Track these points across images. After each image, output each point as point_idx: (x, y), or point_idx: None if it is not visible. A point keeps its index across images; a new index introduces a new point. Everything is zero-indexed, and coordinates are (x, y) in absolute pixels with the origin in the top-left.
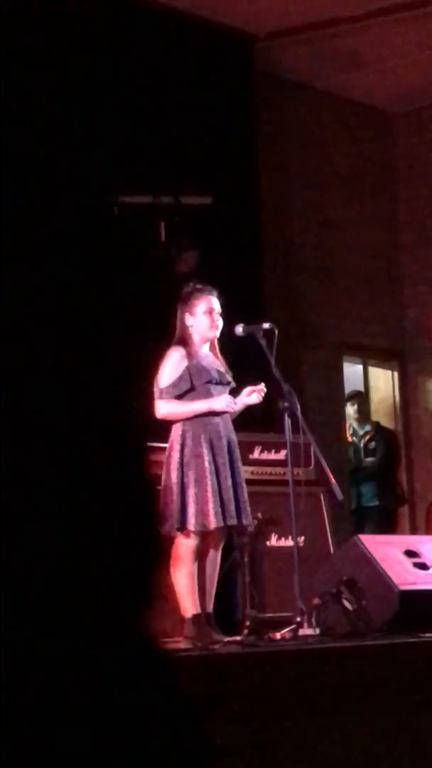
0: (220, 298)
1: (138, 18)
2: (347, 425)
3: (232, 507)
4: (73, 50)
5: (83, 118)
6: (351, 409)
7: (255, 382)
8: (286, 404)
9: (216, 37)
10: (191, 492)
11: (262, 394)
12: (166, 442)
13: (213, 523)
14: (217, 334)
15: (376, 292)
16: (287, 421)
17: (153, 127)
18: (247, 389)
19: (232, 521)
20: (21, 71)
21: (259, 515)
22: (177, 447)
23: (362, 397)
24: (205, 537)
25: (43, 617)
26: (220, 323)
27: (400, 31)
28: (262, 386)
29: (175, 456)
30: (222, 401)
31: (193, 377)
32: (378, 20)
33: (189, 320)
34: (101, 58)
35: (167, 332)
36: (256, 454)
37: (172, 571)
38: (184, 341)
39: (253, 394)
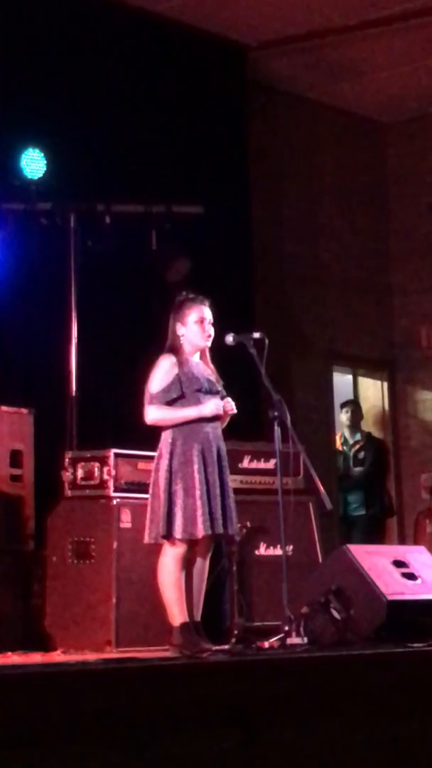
0: (211, 307)
1: (131, 27)
2: (339, 434)
3: (219, 515)
4: (66, 58)
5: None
6: (344, 417)
7: (245, 391)
8: (275, 413)
9: (208, 47)
10: (179, 500)
11: (228, 407)
12: (155, 449)
13: (201, 531)
14: (209, 343)
15: (366, 303)
16: (277, 431)
17: (145, 136)
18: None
19: (220, 530)
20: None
21: (248, 524)
22: (166, 454)
23: (356, 406)
24: (192, 545)
25: None
26: (212, 332)
27: (391, 42)
28: (227, 402)
29: (164, 463)
30: (211, 406)
31: (183, 385)
32: (370, 31)
33: (180, 329)
34: (93, 67)
35: (159, 340)
36: (245, 463)
37: (160, 579)
38: (176, 349)
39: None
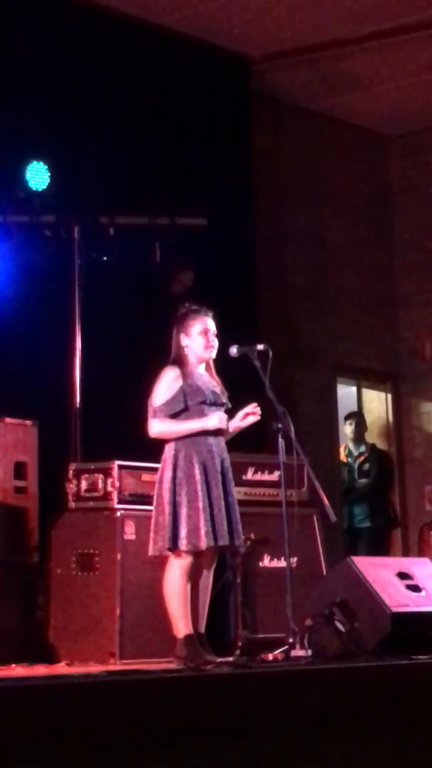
0: (215, 319)
1: (134, 40)
2: (343, 446)
3: (223, 527)
4: (69, 70)
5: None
6: (348, 429)
7: (249, 403)
8: (279, 425)
9: (213, 59)
10: (183, 512)
11: (258, 415)
12: (159, 461)
13: (204, 543)
14: (213, 354)
15: (370, 314)
16: (281, 443)
17: (148, 148)
18: (241, 413)
19: (224, 542)
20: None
21: (252, 536)
22: (169, 467)
23: (360, 418)
24: (197, 557)
25: None
26: (216, 344)
27: (396, 54)
28: (253, 407)
29: (168, 476)
30: (214, 419)
31: (187, 397)
32: (374, 43)
33: (184, 340)
34: (97, 79)
35: (163, 352)
36: (249, 475)
37: (166, 591)
38: (180, 361)
39: (248, 417)
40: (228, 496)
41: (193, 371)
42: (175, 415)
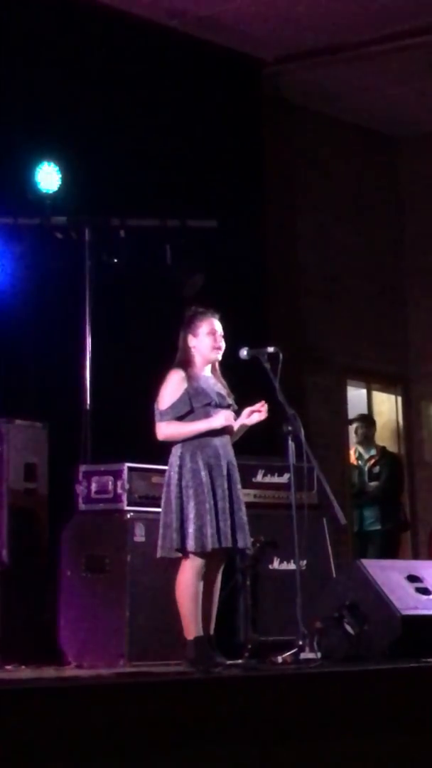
0: (224, 321)
1: (147, 42)
2: (353, 448)
3: (228, 529)
4: (79, 72)
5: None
6: (356, 432)
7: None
8: (289, 428)
9: (224, 62)
10: (190, 513)
11: (264, 412)
12: (166, 464)
13: (209, 544)
14: (219, 356)
15: (381, 317)
16: (290, 445)
17: (159, 150)
18: (247, 410)
19: (228, 543)
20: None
21: (262, 538)
22: (176, 469)
23: (369, 421)
24: (206, 558)
25: None
26: (223, 345)
27: (406, 57)
28: (261, 405)
29: (174, 478)
30: (220, 418)
31: (193, 400)
32: (384, 46)
33: (191, 341)
34: (108, 81)
35: (173, 353)
36: (259, 478)
37: (177, 592)
38: (186, 363)
39: (253, 415)
40: (233, 498)
41: (199, 373)
42: (180, 418)
